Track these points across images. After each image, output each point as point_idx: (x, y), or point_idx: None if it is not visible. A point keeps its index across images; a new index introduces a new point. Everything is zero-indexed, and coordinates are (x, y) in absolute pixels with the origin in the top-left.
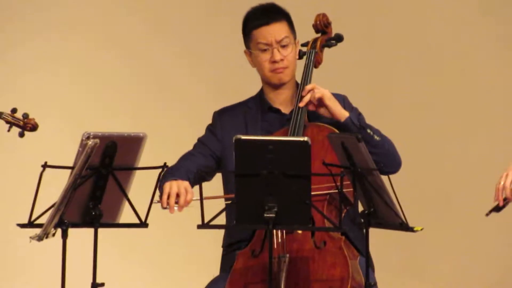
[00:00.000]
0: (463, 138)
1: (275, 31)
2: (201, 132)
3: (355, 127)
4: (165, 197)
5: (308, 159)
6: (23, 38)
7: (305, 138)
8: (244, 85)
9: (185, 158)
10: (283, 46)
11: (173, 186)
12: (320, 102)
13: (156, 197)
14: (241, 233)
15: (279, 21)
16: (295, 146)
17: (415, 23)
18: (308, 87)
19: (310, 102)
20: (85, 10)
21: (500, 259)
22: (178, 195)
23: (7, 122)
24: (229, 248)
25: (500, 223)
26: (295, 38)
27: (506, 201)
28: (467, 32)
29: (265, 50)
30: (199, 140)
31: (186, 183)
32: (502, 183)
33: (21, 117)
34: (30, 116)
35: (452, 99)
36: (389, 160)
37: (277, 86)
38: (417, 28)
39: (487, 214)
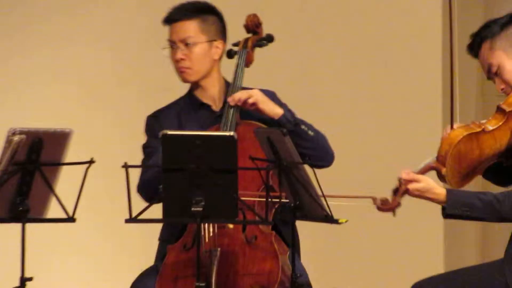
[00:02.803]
0: (388, 133)
1: (181, 29)
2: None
3: (290, 124)
4: None
5: (234, 154)
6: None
7: (231, 133)
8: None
9: (148, 160)
10: (187, 45)
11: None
12: (254, 106)
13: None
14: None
15: (188, 19)
16: (222, 141)
17: (343, 21)
18: (238, 97)
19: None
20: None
21: (421, 251)
22: None
23: None
24: (165, 242)
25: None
26: (210, 38)
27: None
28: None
29: (172, 47)
30: (144, 146)
31: None
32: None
33: None
34: None
35: (377, 94)
36: (322, 154)
37: (195, 83)
38: (344, 25)
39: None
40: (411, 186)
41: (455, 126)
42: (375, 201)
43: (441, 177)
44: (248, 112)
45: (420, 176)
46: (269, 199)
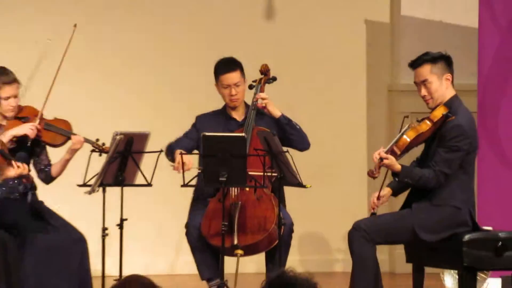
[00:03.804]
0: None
1: (233, 77)
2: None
3: (286, 120)
4: (177, 164)
5: (244, 146)
6: None
7: (243, 134)
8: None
9: (179, 139)
10: (237, 85)
11: (180, 156)
12: (265, 108)
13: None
14: (206, 191)
15: (235, 71)
16: (237, 138)
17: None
18: (262, 95)
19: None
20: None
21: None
22: (184, 163)
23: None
24: (197, 199)
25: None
26: (244, 79)
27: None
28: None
29: (226, 87)
30: (187, 131)
31: (188, 156)
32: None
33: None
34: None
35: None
36: (303, 141)
37: (233, 108)
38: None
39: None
40: (386, 161)
41: (408, 130)
42: (371, 171)
43: (395, 156)
44: (260, 121)
45: (389, 156)
46: (265, 173)
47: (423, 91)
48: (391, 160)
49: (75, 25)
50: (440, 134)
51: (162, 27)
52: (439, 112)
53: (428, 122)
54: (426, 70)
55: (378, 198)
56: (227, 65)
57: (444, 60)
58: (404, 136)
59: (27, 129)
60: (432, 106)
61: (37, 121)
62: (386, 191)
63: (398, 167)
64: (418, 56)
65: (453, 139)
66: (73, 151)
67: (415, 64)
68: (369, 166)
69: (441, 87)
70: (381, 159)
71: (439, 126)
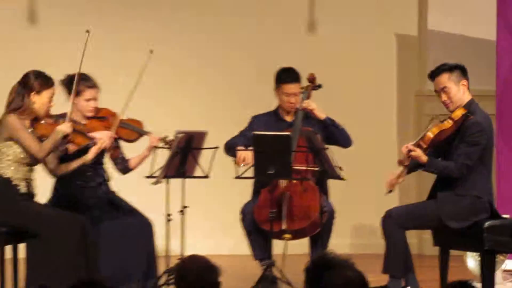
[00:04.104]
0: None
1: (294, 88)
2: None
3: (330, 121)
4: (239, 159)
5: (289, 144)
6: None
7: (288, 133)
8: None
9: (237, 137)
10: (295, 95)
11: (242, 152)
12: (313, 111)
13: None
14: (261, 182)
15: (297, 83)
16: (283, 137)
17: None
18: (309, 103)
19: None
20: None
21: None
22: (244, 158)
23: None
24: (255, 190)
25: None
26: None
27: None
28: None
29: (287, 96)
30: (242, 130)
31: (247, 152)
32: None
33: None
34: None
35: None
36: (347, 139)
37: (288, 112)
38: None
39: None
40: (413, 153)
41: (433, 127)
42: (401, 161)
43: (422, 150)
44: (307, 123)
45: (416, 148)
46: (308, 167)
47: (444, 97)
48: (418, 152)
49: (87, 31)
50: (461, 132)
51: (220, 39)
52: (459, 112)
53: (450, 120)
54: (444, 78)
55: (396, 178)
56: (291, 76)
57: (459, 69)
58: (429, 133)
59: (107, 141)
60: (452, 109)
61: (114, 130)
62: (422, 153)
63: (424, 158)
64: (436, 67)
65: (472, 134)
66: (151, 148)
67: (434, 74)
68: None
69: (459, 92)
70: (409, 151)
71: (459, 124)
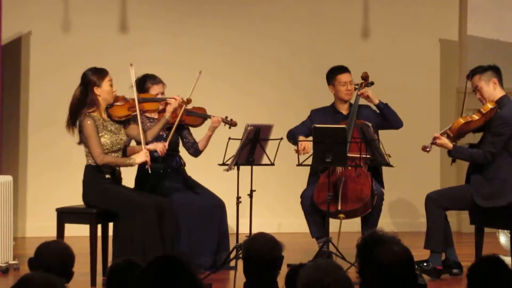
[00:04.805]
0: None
1: (348, 77)
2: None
3: (383, 105)
4: (300, 148)
5: (345, 135)
6: None
7: (344, 126)
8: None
9: (299, 127)
10: (350, 83)
11: (303, 143)
12: (368, 96)
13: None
14: (318, 169)
15: (349, 72)
16: (340, 129)
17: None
18: (363, 90)
19: (363, 95)
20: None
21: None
22: (304, 147)
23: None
24: (313, 174)
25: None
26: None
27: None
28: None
29: (343, 84)
30: (304, 121)
31: (307, 143)
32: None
33: (229, 120)
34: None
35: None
36: (398, 120)
37: (345, 101)
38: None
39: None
40: (438, 141)
41: (460, 118)
42: (425, 146)
43: (449, 138)
44: (361, 115)
45: (442, 137)
46: (361, 155)
47: (478, 95)
48: (443, 140)
49: (131, 64)
50: (488, 124)
51: (286, 41)
52: (488, 106)
53: (478, 113)
54: (476, 79)
55: (436, 139)
56: (342, 68)
57: (491, 69)
58: (455, 123)
59: (160, 149)
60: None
61: (167, 143)
62: (447, 141)
63: (450, 145)
64: (471, 70)
65: (496, 126)
66: (213, 128)
67: (469, 76)
68: (441, 152)
69: (489, 89)
70: (435, 138)
71: (488, 117)
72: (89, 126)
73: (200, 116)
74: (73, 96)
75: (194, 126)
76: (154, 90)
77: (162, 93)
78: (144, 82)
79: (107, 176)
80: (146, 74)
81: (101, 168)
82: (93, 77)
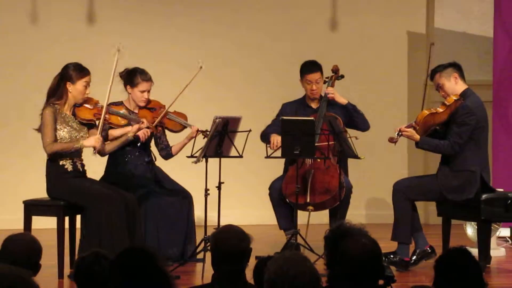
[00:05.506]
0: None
1: (315, 76)
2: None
3: (351, 106)
4: (273, 142)
5: (313, 127)
6: None
7: (312, 118)
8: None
9: (270, 126)
10: (317, 82)
11: (275, 137)
12: (334, 98)
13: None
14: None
15: (317, 72)
16: (308, 121)
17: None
18: (329, 90)
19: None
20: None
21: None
22: (277, 141)
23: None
24: (286, 168)
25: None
26: (322, 77)
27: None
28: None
29: (309, 83)
30: (274, 120)
31: (278, 137)
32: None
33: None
34: None
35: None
36: (365, 123)
37: (312, 99)
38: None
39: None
40: (405, 133)
41: (424, 110)
42: (392, 138)
43: (415, 130)
44: (331, 109)
45: (408, 129)
46: (329, 145)
47: (441, 92)
48: (409, 131)
49: (118, 50)
50: (453, 115)
51: (263, 36)
52: (451, 98)
53: (442, 105)
54: (437, 77)
55: (401, 131)
56: (311, 67)
57: (451, 66)
58: (419, 115)
59: (141, 133)
60: None
61: (158, 121)
62: (414, 132)
63: (417, 137)
64: (431, 69)
65: (461, 115)
66: (190, 138)
67: (431, 76)
68: (408, 143)
69: (451, 84)
70: (400, 130)
71: (453, 109)
72: (47, 116)
73: (181, 123)
74: (51, 83)
75: (173, 131)
76: (143, 86)
77: (148, 91)
78: (134, 76)
79: (69, 169)
80: (137, 68)
81: (59, 160)
82: (71, 72)
